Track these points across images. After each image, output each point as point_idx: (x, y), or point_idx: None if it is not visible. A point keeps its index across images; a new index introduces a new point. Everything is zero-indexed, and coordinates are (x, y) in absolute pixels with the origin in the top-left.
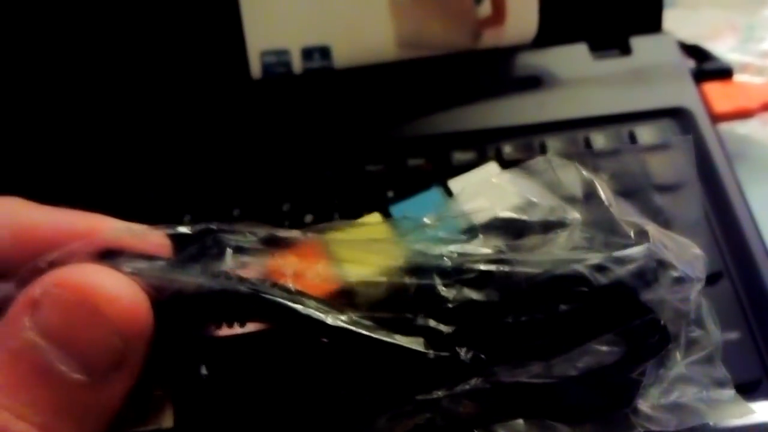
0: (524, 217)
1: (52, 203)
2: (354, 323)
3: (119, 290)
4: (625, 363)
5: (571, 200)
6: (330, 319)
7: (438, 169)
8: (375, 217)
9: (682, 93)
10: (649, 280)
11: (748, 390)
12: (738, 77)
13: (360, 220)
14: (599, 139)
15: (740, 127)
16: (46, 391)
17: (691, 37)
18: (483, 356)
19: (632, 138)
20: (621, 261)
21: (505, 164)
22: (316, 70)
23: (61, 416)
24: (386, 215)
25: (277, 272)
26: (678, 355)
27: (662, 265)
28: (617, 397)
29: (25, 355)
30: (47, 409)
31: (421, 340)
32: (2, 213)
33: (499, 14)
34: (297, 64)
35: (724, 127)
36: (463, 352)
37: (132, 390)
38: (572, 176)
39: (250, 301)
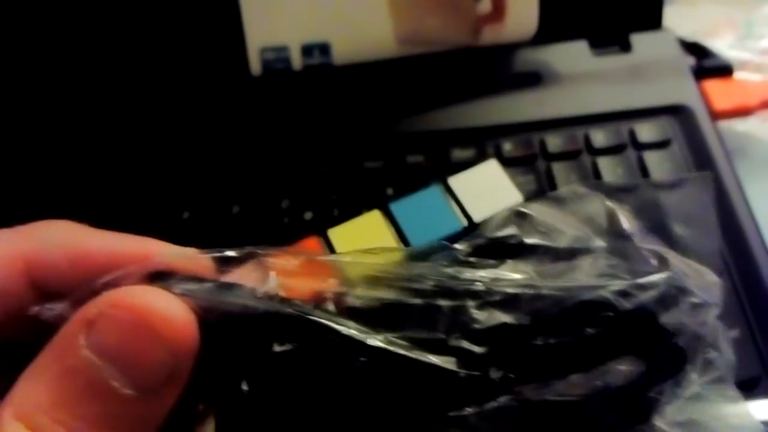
0: (550, 244)
1: (50, 198)
2: (390, 343)
3: (172, 311)
4: (644, 382)
5: (595, 229)
6: (369, 340)
7: (437, 166)
8: (375, 215)
9: (682, 90)
10: (670, 305)
11: (747, 387)
12: (737, 74)
13: (360, 217)
14: (599, 137)
15: (739, 124)
16: (99, 407)
17: (690, 34)
18: (512, 376)
19: (632, 136)
20: (643, 287)
21: (505, 161)
22: (316, 67)
23: (110, 429)
24: (386, 212)
25: (318, 296)
26: (694, 376)
27: (682, 291)
28: (635, 415)
29: (80, 372)
30: (99, 424)
31: (453, 359)
32: (58, 236)
33: (498, 11)
34: (296, 61)
35: (724, 124)
36: (493, 372)
37: (177, 403)
38: (596, 206)
39: (294, 322)
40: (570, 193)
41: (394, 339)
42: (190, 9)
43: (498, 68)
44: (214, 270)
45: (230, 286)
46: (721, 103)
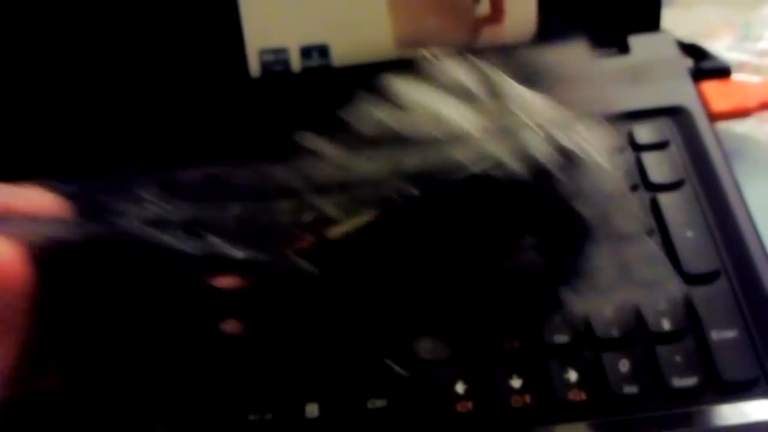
0: (421, 128)
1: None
2: (241, 258)
3: None
4: (547, 261)
5: (469, 97)
6: (202, 252)
7: None
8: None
9: (681, 92)
10: (552, 171)
11: (745, 388)
12: (735, 76)
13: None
14: None
15: (738, 126)
16: None
17: (688, 36)
18: (375, 271)
19: (630, 137)
20: (521, 153)
21: None
22: (315, 69)
23: None
24: None
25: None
26: (598, 237)
27: (564, 151)
28: (546, 299)
29: None
30: None
31: (312, 266)
32: None
33: (497, 12)
34: (295, 63)
35: (722, 125)
36: (348, 269)
37: (25, 350)
38: (467, 71)
39: (124, 243)
40: (440, 65)
41: (246, 254)
42: (189, 10)
43: (497, 69)
44: (62, 207)
45: (63, 220)
46: (719, 104)
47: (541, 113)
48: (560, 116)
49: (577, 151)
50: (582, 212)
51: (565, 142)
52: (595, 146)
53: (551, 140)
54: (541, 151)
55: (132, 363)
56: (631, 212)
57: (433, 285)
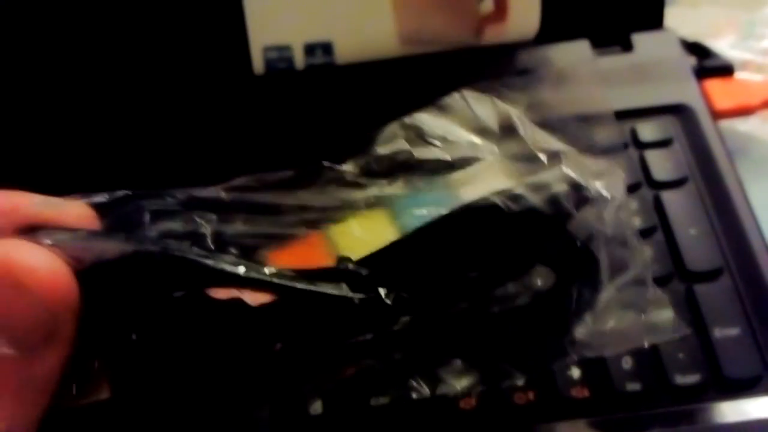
0: (441, 155)
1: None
2: (276, 276)
3: (38, 261)
4: (555, 291)
5: (487, 133)
6: (253, 273)
7: None
8: (379, 213)
9: (684, 90)
10: (565, 204)
11: (749, 386)
12: (738, 74)
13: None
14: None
15: (741, 124)
16: None
17: (691, 34)
18: (405, 295)
19: (634, 135)
20: (535, 187)
21: None
22: (319, 66)
23: None
24: (391, 210)
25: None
26: (604, 277)
27: (578, 187)
28: (551, 328)
29: None
30: None
31: (343, 285)
32: None
33: (501, 11)
34: (299, 60)
35: (725, 124)
36: (383, 293)
37: (69, 363)
38: (488, 109)
39: (161, 260)
40: (459, 98)
41: (278, 271)
42: (193, 8)
43: (500, 67)
44: (94, 218)
45: (105, 233)
46: (722, 103)
47: (553, 149)
48: (572, 153)
49: (590, 187)
50: (590, 246)
51: (577, 176)
52: (607, 185)
53: (564, 175)
54: (554, 184)
55: (172, 374)
56: (635, 250)
57: (448, 305)
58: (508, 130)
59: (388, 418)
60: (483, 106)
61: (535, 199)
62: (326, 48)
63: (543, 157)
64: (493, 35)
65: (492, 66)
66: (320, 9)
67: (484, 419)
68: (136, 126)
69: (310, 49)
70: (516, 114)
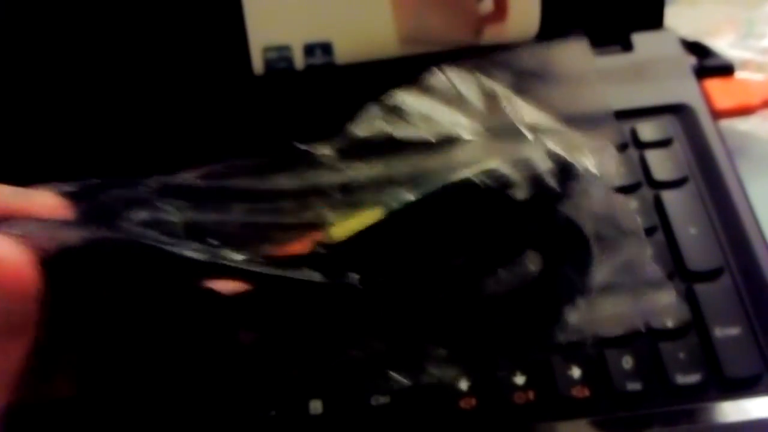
0: (422, 136)
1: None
2: (243, 262)
3: (1, 253)
4: (541, 274)
5: (471, 112)
6: (221, 261)
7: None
8: (377, 212)
9: (684, 89)
10: (548, 181)
11: (749, 385)
12: (738, 74)
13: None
14: None
15: (741, 124)
16: None
17: (691, 33)
18: (380, 280)
19: (634, 134)
20: (518, 165)
21: None
22: (318, 66)
23: None
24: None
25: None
26: (595, 258)
27: (563, 164)
28: (540, 313)
29: None
30: None
31: (314, 271)
32: None
33: (500, 10)
34: (299, 60)
35: (725, 123)
36: (356, 278)
37: (35, 356)
38: (472, 87)
39: (128, 248)
40: (442, 76)
41: (249, 258)
42: (192, 8)
43: (500, 67)
44: (64, 208)
45: (74, 223)
46: (722, 102)
47: (539, 125)
48: (559, 129)
49: (575, 162)
50: (578, 222)
51: (563, 153)
52: (593, 158)
53: (550, 152)
54: (539, 161)
55: (139, 367)
56: (627, 216)
57: (430, 292)
58: (493, 108)
59: (388, 417)
60: (467, 84)
61: (517, 177)
62: (326, 48)
63: (528, 133)
64: (493, 35)
65: (492, 65)
66: (320, 9)
67: (484, 419)
68: (134, 125)
69: (309, 50)
70: (501, 90)
